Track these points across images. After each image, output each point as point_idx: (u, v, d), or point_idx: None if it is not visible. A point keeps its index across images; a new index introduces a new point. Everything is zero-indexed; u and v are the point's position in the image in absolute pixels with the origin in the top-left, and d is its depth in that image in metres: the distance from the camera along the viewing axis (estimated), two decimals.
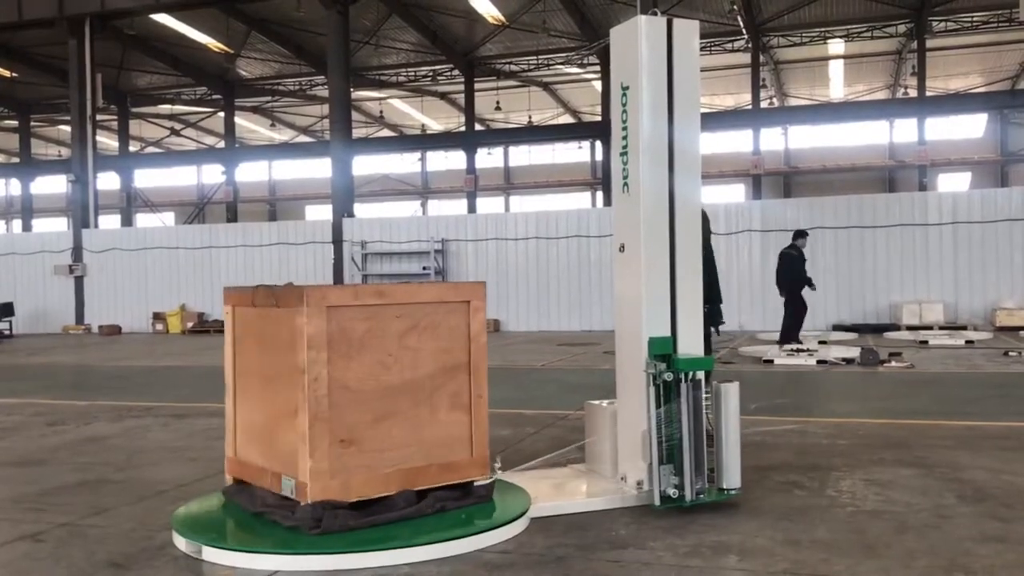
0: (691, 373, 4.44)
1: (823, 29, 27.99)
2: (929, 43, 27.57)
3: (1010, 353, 12.31)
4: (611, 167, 4.95)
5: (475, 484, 4.32)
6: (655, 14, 4.64)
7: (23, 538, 4.16)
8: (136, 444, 6.63)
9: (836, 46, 30.16)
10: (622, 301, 4.73)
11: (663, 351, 4.47)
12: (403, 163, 43.30)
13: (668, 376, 4.40)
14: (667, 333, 4.54)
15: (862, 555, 3.68)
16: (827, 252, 18.01)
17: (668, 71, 4.58)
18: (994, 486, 4.77)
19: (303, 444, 3.91)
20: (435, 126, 40.15)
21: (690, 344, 4.59)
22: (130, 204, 32.93)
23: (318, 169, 39.18)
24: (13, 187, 45.65)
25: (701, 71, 4.82)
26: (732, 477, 4.50)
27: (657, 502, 4.36)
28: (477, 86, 31.80)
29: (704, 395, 4.49)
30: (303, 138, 41.23)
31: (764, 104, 31.72)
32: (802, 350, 12.54)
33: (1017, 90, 32.72)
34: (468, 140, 32.64)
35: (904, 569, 3.50)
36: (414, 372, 4.20)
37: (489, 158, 40.19)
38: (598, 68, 29.55)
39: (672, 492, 4.37)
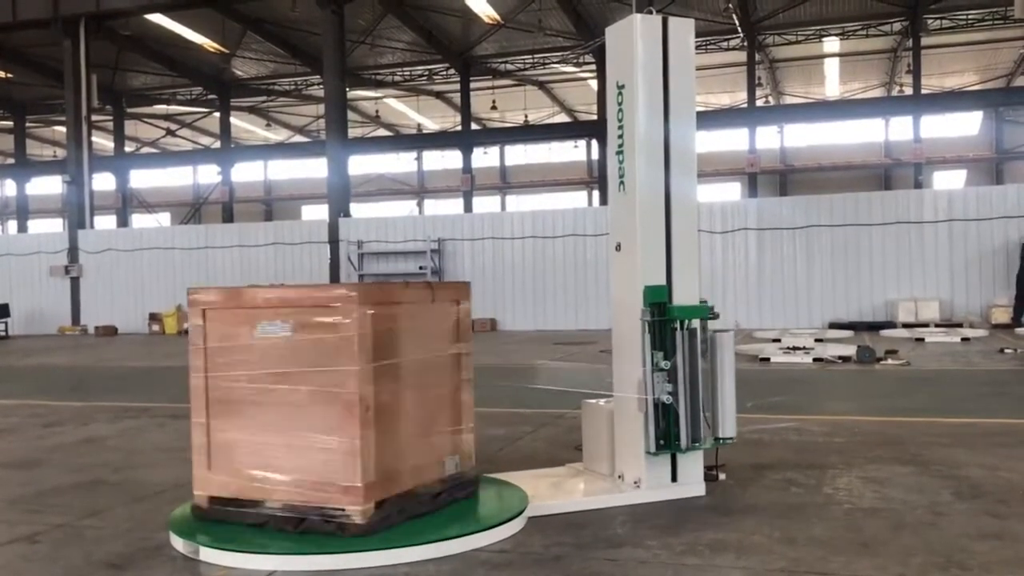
0: (686, 321, 4.43)
1: (818, 27, 28.01)
2: (924, 41, 27.59)
3: (1006, 350, 12.35)
4: (607, 166, 4.95)
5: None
6: (651, 12, 4.64)
7: (20, 539, 4.15)
8: (133, 445, 6.63)
9: (831, 44, 30.19)
10: (619, 299, 4.74)
11: (658, 299, 4.45)
12: (399, 163, 43.25)
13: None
14: (663, 282, 4.52)
15: (858, 553, 3.68)
16: (823, 250, 18.03)
17: (664, 69, 4.59)
18: (990, 483, 4.78)
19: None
20: (431, 125, 40.11)
21: (685, 299, 4.57)
22: (126, 205, 32.89)
23: (314, 169, 39.11)
24: (8, 188, 45.52)
25: (697, 69, 4.82)
26: (728, 426, 4.50)
27: (652, 449, 4.36)
28: (473, 85, 31.77)
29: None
30: (299, 138, 41.16)
31: (760, 102, 31.74)
32: (799, 348, 12.57)
33: (1012, 87, 32.80)
34: (464, 139, 32.62)
35: (900, 566, 3.50)
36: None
37: (485, 157, 40.12)
38: (594, 67, 29.54)
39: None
